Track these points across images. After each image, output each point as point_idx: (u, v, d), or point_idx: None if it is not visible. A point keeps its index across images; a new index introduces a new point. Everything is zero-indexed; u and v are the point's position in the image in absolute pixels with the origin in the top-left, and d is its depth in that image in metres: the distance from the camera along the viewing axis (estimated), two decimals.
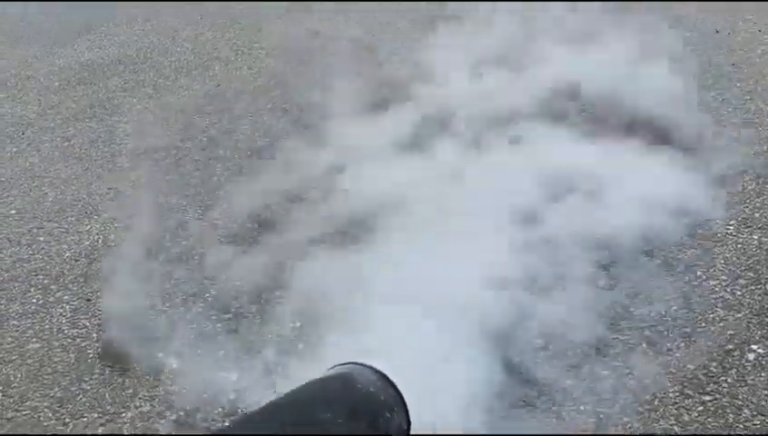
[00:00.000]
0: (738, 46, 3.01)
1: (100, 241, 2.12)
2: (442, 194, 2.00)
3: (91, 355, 1.67)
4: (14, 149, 2.76)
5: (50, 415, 1.51)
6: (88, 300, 1.87)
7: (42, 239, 2.17)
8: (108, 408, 1.51)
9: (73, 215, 2.27)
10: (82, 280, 1.95)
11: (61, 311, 1.84)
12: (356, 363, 0.97)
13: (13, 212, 2.33)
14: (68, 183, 2.47)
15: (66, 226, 2.22)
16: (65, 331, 1.76)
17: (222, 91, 3.11)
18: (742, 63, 2.85)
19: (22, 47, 3.93)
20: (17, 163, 2.65)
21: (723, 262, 1.75)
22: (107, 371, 1.61)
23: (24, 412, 1.53)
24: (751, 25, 3.22)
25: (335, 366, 1.02)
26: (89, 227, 2.20)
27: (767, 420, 1.28)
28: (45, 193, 2.42)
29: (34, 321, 1.82)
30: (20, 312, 1.86)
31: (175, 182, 2.40)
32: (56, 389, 1.58)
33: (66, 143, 2.76)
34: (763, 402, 1.33)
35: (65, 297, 1.89)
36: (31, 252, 2.10)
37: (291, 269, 1.84)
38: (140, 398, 1.52)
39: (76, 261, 2.04)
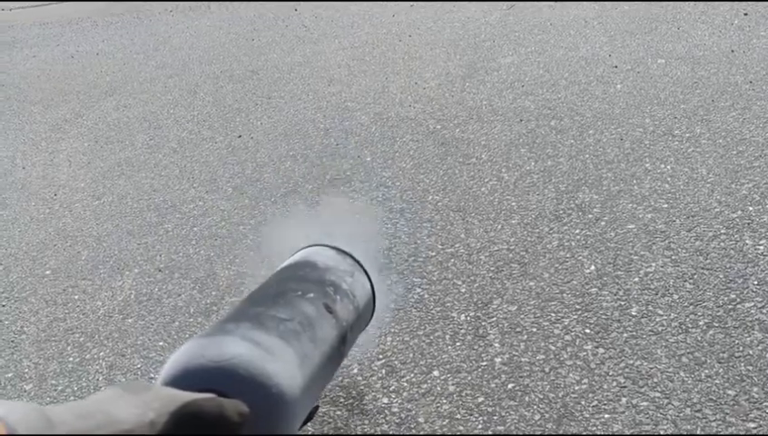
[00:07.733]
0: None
1: (132, 295, 2.17)
2: None
3: None
4: (47, 210, 2.85)
5: None
6: (122, 355, 1.90)
7: (77, 297, 2.22)
8: None
9: (105, 272, 2.33)
10: (116, 335, 1.99)
11: (97, 368, 1.88)
12: (315, 245, 1.13)
13: (48, 272, 2.40)
14: (100, 240, 2.54)
15: (100, 283, 2.27)
16: (102, 388, 1.79)
17: (244, 142, 3.19)
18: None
19: (53, 110, 4.09)
20: (51, 224, 2.74)
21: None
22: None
23: None
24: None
25: (297, 250, 1.18)
26: (121, 283, 2.25)
27: None
28: (79, 252, 2.49)
29: (71, 379, 1.85)
30: (57, 371, 1.90)
31: (203, 233, 2.45)
32: None
33: (97, 202, 2.84)
34: None
35: (101, 354, 1.93)
36: (66, 311, 2.15)
37: None
38: None
39: (110, 317, 2.08)
